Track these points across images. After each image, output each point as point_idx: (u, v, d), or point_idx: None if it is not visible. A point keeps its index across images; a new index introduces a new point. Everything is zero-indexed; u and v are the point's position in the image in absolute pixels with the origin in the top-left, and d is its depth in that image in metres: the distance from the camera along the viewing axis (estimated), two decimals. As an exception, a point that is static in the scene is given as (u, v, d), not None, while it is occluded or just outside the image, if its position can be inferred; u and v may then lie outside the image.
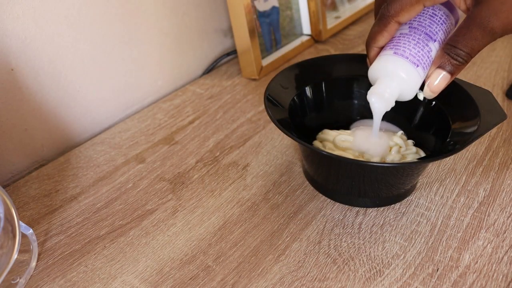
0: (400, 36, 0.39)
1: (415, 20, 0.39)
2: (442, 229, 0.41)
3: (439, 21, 0.38)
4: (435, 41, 0.38)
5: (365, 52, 0.42)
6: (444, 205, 0.43)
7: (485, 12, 0.34)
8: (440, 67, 0.37)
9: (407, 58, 0.37)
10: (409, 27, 0.39)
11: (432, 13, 0.38)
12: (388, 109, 0.40)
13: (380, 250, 0.39)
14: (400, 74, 0.38)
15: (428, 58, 0.38)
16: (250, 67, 0.65)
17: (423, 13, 0.39)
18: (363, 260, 0.38)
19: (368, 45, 0.40)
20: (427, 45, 0.38)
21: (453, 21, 0.40)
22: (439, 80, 0.37)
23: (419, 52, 0.38)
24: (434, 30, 0.38)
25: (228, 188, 0.47)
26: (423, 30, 0.38)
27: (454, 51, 0.35)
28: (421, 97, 0.47)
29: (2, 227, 0.33)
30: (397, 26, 0.38)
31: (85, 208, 0.45)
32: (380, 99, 0.39)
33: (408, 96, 0.40)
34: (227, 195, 0.46)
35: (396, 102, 0.49)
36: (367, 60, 0.41)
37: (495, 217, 0.42)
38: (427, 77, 0.38)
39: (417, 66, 0.37)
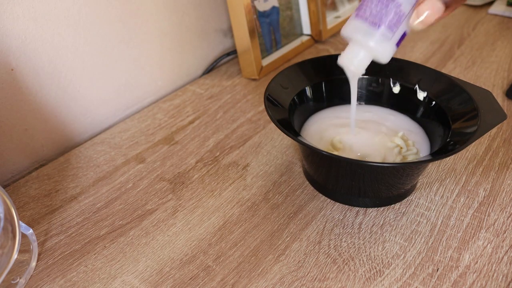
0: None
1: None
2: (442, 229, 0.41)
3: None
4: None
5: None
6: (444, 205, 0.43)
7: None
8: None
9: (366, 19, 0.34)
10: None
11: None
12: (360, 74, 0.38)
13: (380, 250, 0.39)
14: (359, 38, 0.35)
15: (397, 14, 0.34)
16: (250, 67, 0.65)
17: None
18: (363, 260, 0.38)
19: None
20: (393, 0, 0.34)
21: None
22: (429, 9, 0.32)
23: (382, 10, 0.34)
24: None
25: (228, 188, 0.47)
26: None
27: None
28: (421, 96, 0.48)
29: (2, 227, 0.33)
30: None
31: (85, 208, 0.45)
32: (350, 65, 0.37)
33: (381, 58, 0.36)
34: (227, 195, 0.46)
35: (397, 102, 0.50)
36: None
37: (495, 217, 0.42)
38: (417, 3, 0.34)
39: (379, 26, 0.34)
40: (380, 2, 0.34)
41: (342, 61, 0.38)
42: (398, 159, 0.43)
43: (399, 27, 0.35)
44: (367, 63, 0.37)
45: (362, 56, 0.37)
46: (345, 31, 0.37)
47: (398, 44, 0.36)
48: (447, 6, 0.33)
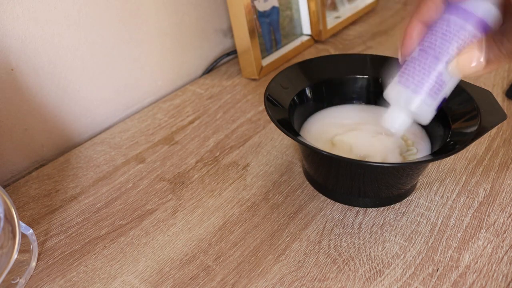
0: (409, 61, 0.36)
1: (426, 41, 0.35)
2: (442, 229, 0.41)
3: (452, 37, 0.34)
4: (447, 62, 0.34)
5: (364, 52, 0.42)
6: (444, 205, 0.43)
7: None
8: (478, 48, 0.32)
9: (408, 87, 0.35)
10: (420, 49, 0.35)
11: (446, 30, 0.34)
12: (402, 132, 0.39)
13: (380, 250, 0.39)
14: (401, 104, 0.36)
15: (439, 83, 0.35)
16: (250, 67, 0.65)
17: (436, 31, 0.34)
18: (363, 260, 0.38)
19: (399, 45, 0.37)
20: (435, 69, 0.34)
21: (472, 31, 0.34)
22: (469, 59, 0.32)
23: (424, 78, 0.34)
24: (446, 49, 0.34)
25: (228, 188, 0.47)
26: (432, 53, 0.34)
27: (501, 39, 0.31)
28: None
29: (2, 227, 0.33)
30: (420, 26, 0.35)
31: (85, 208, 0.45)
32: (391, 128, 0.38)
33: (422, 121, 0.37)
34: (227, 195, 0.46)
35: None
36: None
37: (495, 217, 0.42)
38: (460, 52, 0.34)
39: (421, 94, 0.35)
40: (423, 70, 0.35)
41: (384, 123, 0.39)
42: (398, 159, 0.43)
43: (440, 94, 0.35)
44: (407, 125, 0.38)
45: (403, 119, 0.37)
46: (388, 95, 0.38)
47: (438, 107, 0.36)
48: (489, 62, 0.32)
